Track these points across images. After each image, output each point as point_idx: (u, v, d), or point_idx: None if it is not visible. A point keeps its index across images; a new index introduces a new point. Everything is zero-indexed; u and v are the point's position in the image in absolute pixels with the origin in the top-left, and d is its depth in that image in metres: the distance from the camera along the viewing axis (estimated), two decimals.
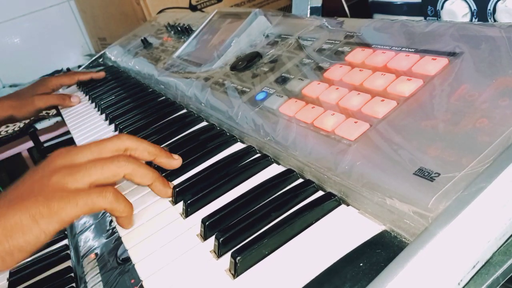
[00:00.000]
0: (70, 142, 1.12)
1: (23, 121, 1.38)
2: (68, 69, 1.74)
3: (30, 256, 0.44)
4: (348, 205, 0.38)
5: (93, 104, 0.98)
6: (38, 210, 0.40)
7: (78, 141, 0.80)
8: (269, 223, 0.38)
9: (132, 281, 0.46)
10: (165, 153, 0.52)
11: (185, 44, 0.89)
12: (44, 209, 0.41)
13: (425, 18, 0.67)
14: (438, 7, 0.64)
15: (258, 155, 0.50)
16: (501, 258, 0.29)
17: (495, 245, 0.28)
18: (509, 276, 0.29)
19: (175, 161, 0.53)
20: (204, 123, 0.65)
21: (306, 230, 0.36)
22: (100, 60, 1.37)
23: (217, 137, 0.58)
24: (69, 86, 1.16)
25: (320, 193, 0.41)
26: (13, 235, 0.40)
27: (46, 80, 1.10)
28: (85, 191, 0.43)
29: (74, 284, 0.52)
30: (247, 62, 0.64)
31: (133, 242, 0.44)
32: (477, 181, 0.29)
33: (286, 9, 1.23)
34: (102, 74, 1.12)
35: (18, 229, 0.40)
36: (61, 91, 1.15)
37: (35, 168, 0.47)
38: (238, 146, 0.55)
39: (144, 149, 0.50)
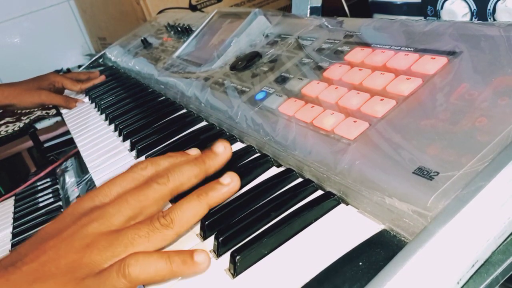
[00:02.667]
0: (70, 142, 1.13)
1: (23, 121, 1.39)
2: (68, 69, 1.74)
3: None
4: (347, 204, 0.38)
5: (93, 104, 0.98)
6: None
7: (78, 141, 0.80)
8: (269, 222, 0.38)
9: None
10: (207, 156, 0.43)
11: (185, 44, 0.89)
12: None
13: (425, 18, 0.67)
14: (438, 7, 0.64)
15: (258, 154, 0.50)
16: (500, 257, 0.29)
17: (494, 244, 0.28)
18: (508, 275, 0.29)
19: (222, 155, 0.43)
20: (204, 123, 0.65)
21: (305, 229, 0.36)
22: (100, 60, 1.37)
23: (217, 136, 0.58)
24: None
25: (319, 192, 0.41)
26: None
27: (50, 75, 1.10)
28: (104, 274, 0.34)
29: None
30: (246, 62, 0.64)
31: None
32: (476, 180, 0.29)
33: (286, 9, 1.23)
34: (103, 78, 1.12)
35: None
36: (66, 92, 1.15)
37: (58, 225, 0.38)
38: (237, 146, 0.55)
39: (189, 178, 0.41)
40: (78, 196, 0.86)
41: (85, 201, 0.40)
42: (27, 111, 1.44)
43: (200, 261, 0.35)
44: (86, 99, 1.06)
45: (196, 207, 0.39)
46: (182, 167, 0.41)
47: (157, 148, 0.61)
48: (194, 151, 0.45)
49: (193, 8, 1.35)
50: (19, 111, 1.45)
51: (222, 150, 0.43)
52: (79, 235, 0.36)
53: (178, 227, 0.38)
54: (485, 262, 0.28)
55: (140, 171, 0.42)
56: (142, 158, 0.61)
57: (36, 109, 1.42)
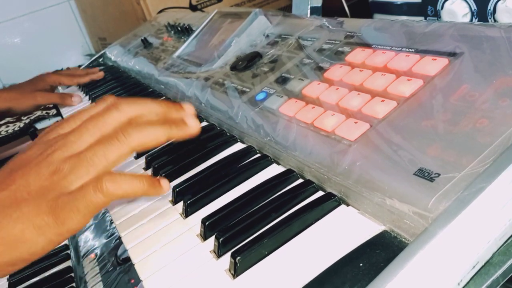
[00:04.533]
0: None
1: (23, 121, 1.39)
2: (68, 69, 1.74)
3: None
4: (348, 205, 0.38)
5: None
6: (44, 221, 0.36)
7: None
8: (269, 223, 0.38)
9: (132, 281, 0.45)
10: (175, 107, 0.44)
11: (185, 44, 0.89)
12: (50, 219, 0.36)
13: (425, 18, 0.67)
14: (438, 7, 0.64)
15: (258, 155, 0.50)
16: (501, 259, 0.29)
17: (495, 245, 0.28)
18: (509, 277, 0.29)
19: (189, 129, 0.44)
20: (204, 123, 0.65)
21: (306, 230, 0.36)
22: (100, 60, 1.37)
23: (217, 137, 0.58)
24: (68, 86, 1.16)
25: (320, 193, 0.41)
26: (16, 248, 0.36)
27: (45, 76, 1.11)
28: (79, 193, 0.37)
29: (74, 284, 0.52)
30: (247, 62, 0.64)
31: (133, 242, 0.44)
32: (477, 182, 0.29)
33: (286, 9, 1.23)
34: (101, 74, 1.12)
35: (22, 242, 0.36)
36: (60, 89, 1.16)
37: (25, 156, 0.41)
38: (238, 146, 0.55)
39: (150, 113, 0.43)
40: None
41: (50, 133, 0.43)
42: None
43: (165, 187, 0.40)
44: (86, 99, 1.06)
45: (157, 132, 0.41)
46: (145, 101, 0.43)
47: (156, 149, 0.61)
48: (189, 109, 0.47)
49: (193, 8, 1.35)
50: None
51: (193, 124, 0.44)
52: (45, 163, 0.39)
53: (136, 144, 0.40)
54: (486, 263, 0.28)
55: (102, 103, 0.44)
56: (142, 158, 0.61)
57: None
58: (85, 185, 0.37)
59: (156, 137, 0.41)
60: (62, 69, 1.83)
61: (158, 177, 0.41)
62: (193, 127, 0.44)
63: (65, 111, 1.03)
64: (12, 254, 0.36)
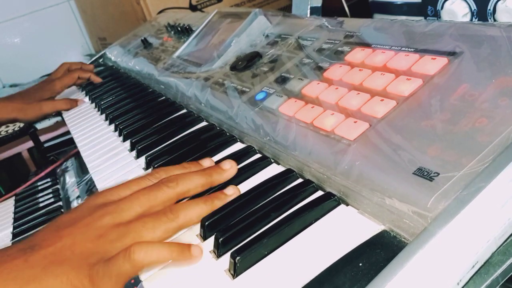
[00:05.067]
0: (70, 142, 1.13)
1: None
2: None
3: None
4: (347, 205, 0.38)
5: (93, 104, 0.98)
6: (81, 283, 0.36)
7: (78, 141, 0.80)
8: (269, 223, 0.38)
9: (132, 281, 0.45)
10: (214, 171, 0.47)
11: (185, 44, 0.89)
12: (86, 282, 0.37)
13: (425, 18, 0.67)
14: (438, 7, 0.64)
15: (258, 156, 0.50)
16: (501, 258, 0.29)
17: (494, 245, 0.28)
18: (508, 276, 0.29)
19: (228, 172, 0.47)
20: (204, 123, 0.65)
21: (305, 230, 0.36)
22: (100, 60, 1.37)
23: (217, 137, 0.58)
24: (71, 85, 1.15)
25: (319, 193, 0.41)
26: None
27: (51, 84, 1.10)
28: (109, 262, 0.37)
29: None
30: (247, 62, 0.64)
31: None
32: (476, 181, 0.29)
33: (286, 9, 1.23)
34: (99, 79, 1.12)
35: None
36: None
37: (75, 215, 0.42)
38: (238, 146, 0.55)
39: (196, 186, 0.45)
40: (78, 197, 0.86)
41: (100, 197, 0.45)
42: None
43: (195, 254, 0.38)
44: (87, 99, 1.06)
45: (201, 209, 0.42)
46: (191, 176, 0.46)
47: (157, 148, 0.61)
48: (207, 162, 0.50)
49: (193, 8, 1.35)
50: None
51: (229, 167, 0.47)
52: (93, 226, 0.40)
53: (182, 222, 0.42)
54: (485, 263, 0.28)
55: (152, 178, 0.47)
56: (142, 158, 0.61)
57: None
58: (117, 254, 0.38)
59: (200, 213, 0.42)
60: None
61: (190, 244, 0.40)
62: (234, 195, 0.45)
63: (66, 112, 1.03)
64: None
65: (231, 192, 0.45)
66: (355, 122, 0.41)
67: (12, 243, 0.82)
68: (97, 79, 1.11)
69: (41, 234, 0.41)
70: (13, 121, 1.06)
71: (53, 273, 0.37)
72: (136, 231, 0.40)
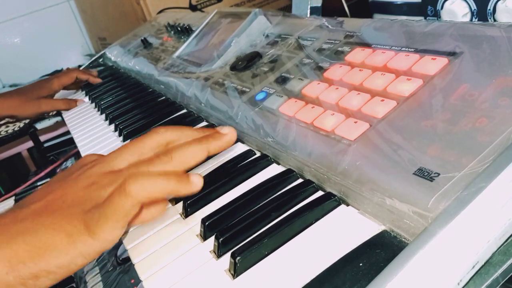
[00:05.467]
0: (70, 142, 1.13)
1: (23, 121, 1.39)
2: (67, 69, 1.74)
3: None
4: (348, 205, 0.38)
5: (93, 104, 0.98)
6: (76, 228, 0.34)
7: (78, 141, 0.80)
8: (269, 223, 0.38)
9: (132, 281, 0.46)
10: (212, 138, 0.44)
11: (185, 44, 0.89)
12: (81, 226, 0.34)
13: (425, 18, 0.67)
14: (438, 7, 0.64)
15: (258, 155, 0.50)
16: (501, 258, 0.29)
17: (494, 245, 0.28)
18: (508, 276, 0.29)
19: (226, 136, 0.45)
20: (204, 123, 0.65)
21: (305, 230, 0.36)
22: (100, 60, 1.37)
23: None
24: (70, 84, 1.15)
25: (320, 193, 0.41)
26: (42, 256, 0.33)
27: (49, 83, 1.10)
28: (112, 201, 0.35)
29: (74, 284, 0.52)
30: (247, 62, 0.64)
31: (132, 242, 0.44)
32: (476, 181, 0.29)
33: (286, 9, 1.23)
34: (98, 80, 1.12)
35: (50, 249, 0.33)
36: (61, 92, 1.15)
37: (65, 173, 0.41)
38: (237, 146, 0.55)
39: (187, 136, 0.44)
40: None
41: (90, 155, 0.43)
42: None
43: (195, 181, 0.37)
44: (86, 99, 1.06)
45: (197, 150, 0.41)
46: (186, 147, 0.42)
47: None
48: (226, 129, 0.47)
49: (193, 8, 1.35)
50: None
51: (228, 131, 0.45)
52: (83, 176, 0.39)
53: (177, 164, 0.40)
54: (485, 263, 0.28)
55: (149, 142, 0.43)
56: None
57: None
58: (112, 193, 0.36)
59: (196, 153, 0.41)
60: (62, 70, 1.83)
61: (188, 174, 0.39)
62: (230, 135, 0.44)
63: (65, 112, 1.03)
64: (37, 262, 0.33)
65: (227, 131, 0.43)
66: (355, 122, 0.41)
67: None
68: (95, 80, 1.11)
69: (32, 194, 0.40)
70: (10, 117, 1.05)
71: (44, 223, 0.34)
72: (129, 173, 0.38)
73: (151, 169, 0.38)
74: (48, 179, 1.05)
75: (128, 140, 0.47)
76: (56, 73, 1.70)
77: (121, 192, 0.35)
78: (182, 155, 0.40)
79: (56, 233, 0.33)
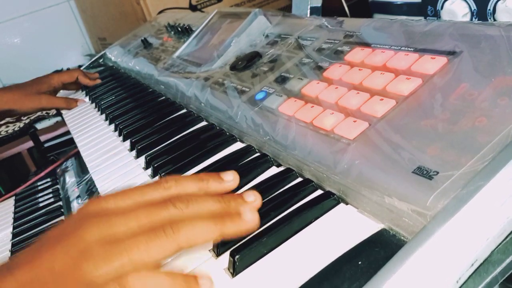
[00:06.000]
0: (70, 142, 1.13)
1: (23, 121, 1.39)
2: (68, 69, 1.74)
3: None
4: (347, 203, 0.38)
5: (93, 104, 0.98)
6: None
7: (78, 141, 0.80)
8: (268, 221, 0.38)
9: None
10: (234, 200, 0.37)
11: (185, 44, 0.89)
12: None
13: (425, 18, 0.67)
14: (438, 7, 0.64)
15: (258, 154, 0.50)
16: (500, 257, 0.29)
17: (493, 243, 0.28)
18: (507, 275, 0.29)
19: (250, 204, 0.37)
20: (204, 123, 0.65)
21: (305, 228, 0.36)
22: (100, 60, 1.37)
23: (217, 136, 0.58)
24: (69, 83, 1.15)
25: (319, 192, 0.41)
26: None
27: (49, 78, 1.09)
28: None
29: None
30: (246, 62, 0.64)
31: None
32: (475, 180, 0.29)
33: (286, 9, 1.23)
34: (95, 82, 1.11)
35: None
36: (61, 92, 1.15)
37: (58, 229, 0.36)
38: (237, 146, 0.55)
39: (209, 210, 0.36)
40: (78, 197, 0.86)
41: (93, 204, 0.37)
42: None
43: (203, 285, 0.33)
44: (87, 99, 1.06)
45: (209, 230, 0.34)
46: (205, 201, 0.37)
47: (157, 148, 0.61)
48: (229, 176, 0.40)
49: (193, 8, 1.35)
50: None
51: (252, 199, 0.38)
52: (75, 239, 0.34)
53: (183, 242, 0.34)
54: (484, 261, 0.28)
55: (160, 189, 0.38)
56: (142, 158, 0.61)
57: None
58: (110, 280, 0.32)
59: (207, 235, 0.34)
60: (62, 70, 1.83)
61: (196, 275, 0.34)
62: (251, 222, 0.36)
63: (66, 112, 1.03)
64: None
65: (250, 218, 0.36)
66: (354, 121, 0.41)
67: (12, 244, 0.82)
68: (93, 82, 1.11)
69: (25, 252, 0.35)
70: (8, 112, 1.04)
71: None
72: (126, 250, 0.33)
73: (151, 247, 0.33)
74: (48, 179, 1.05)
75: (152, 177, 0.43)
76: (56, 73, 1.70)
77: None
78: (191, 234, 0.34)
79: None
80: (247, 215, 0.36)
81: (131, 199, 0.37)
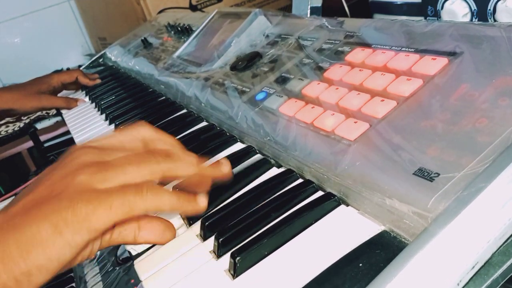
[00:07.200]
0: (71, 142, 1.13)
1: (23, 121, 1.39)
2: (68, 69, 1.74)
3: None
4: (347, 205, 0.38)
5: (93, 104, 0.98)
6: (61, 216, 0.32)
7: (79, 141, 0.80)
8: (269, 223, 0.38)
9: (132, 281, 0.45)
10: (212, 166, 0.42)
11: (185, 44, 0.89)
12: (68, 214, 0.32)
13: (425, 18, 0.67)
14: (438, 7, 0.64)
15: (259, 156, 0.50)
16: (501, 259, 0.29)
17: (494, 245, 0.28)
18: (508, 277, 0.29)
19: (224, 168, 0.43)
20: (204, 123, 0.65)
21: (305, 230, 0.36)
22: (100, 60, 1.37)
23: (217, 137, 0.58)
24: (68, 83, 1.15)
25: (319, 193, 0.41)
26: (30, 251, 0.31)
27: (49, 77, 1.09)
28: (118, 190, 0.34)
29: (73, 284, 0.52)
30: (247, 62, 0.64)
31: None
32: (476, 181, 0.28)
33: (286, 9, 1.23)
34: (94, 82, 1.11)
35: (37, 243, 0.32)
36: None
37: (54, 166, 0.38)
38: (238, 146, 0.55)
39: (165, 142, 0.42)
40: None
41: (79, 145, 0.41)
42: None
43: (201, 203, 0.38)
44: (87, 99, 1.06)
45: (190, 169, 0.39)
46: (182, 160, 0.40)
47: None
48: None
49: (193, 8, 1.35)
50: None
51: (225, 163, 0.43)
52: (72, 163, 0.37)
53: (166, 168, 0.38)
54: (485, 263, 0.28)
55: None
56: None
57: None
58: (126, 185, 0.35)
59: (185, 173, 0.39)
60: (62, 70, 1.83)
61: (196, 195, 0.39)
62: (225, 168, 0.42)
63: (66, 111, 1.03)
64: (27, 258, 0.31)
65: (225, 163, 0.43)
66: (355, 122, 0.41)
67: None
68: (93, 82, 1.11)
69: (24, 188, 0.38)
70: (8, 112, 1.04)
71: (31, 218, 0.33)
72: (120, 162, 0.36)
73: (142, 166, 0.37)
74: None
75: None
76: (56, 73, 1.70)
77: (138, 192, 0.35)
78: (176, 165, 0.39)
79: (41, 225, 0.32)
80: (225, 166, 0.42)
81: (114, 139, 0.42)
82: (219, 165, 0.43)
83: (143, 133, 0.42)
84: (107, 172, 0.35)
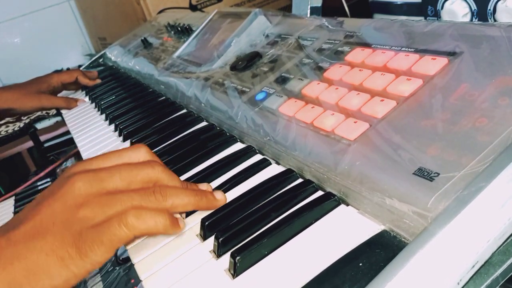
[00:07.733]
0: (70, 142, 1.13)
1: (23, 121, 1.39)
2: (68, 69, 1.74)
3: None
4: (347, 205, 0.38)
5: (93, 104, 0.98)
6: (67, 252, 0.35)
7: (78, 141, 0.80)
8: (269, 223, 0.38)
9: (132, 281, 0.46)
10: (206, 195, 0.44)
11: (185, 44, 0.89)
12: (73, 251, 0.36)
13: (425, 18, 0.67)
14: (438, 7, 0.64)
15: (259, 157, 0.50)
16: (501, 258, 0.29)
17: (494, 245, 0.28)
18: (508, 276, 0.29)
19: (217, 202, 0.44)
20: (204, 123, 0.65)
21: (305, 230, 0.36)
22: (100, 60, 1.37)
23: (217, 137, 0.58)
24: (68, 83, 1.15)
25: (319, 193, 0.41)
26: (39, 280, 0.35)
27: (49, 77, 1.09)
28: (104, 225, 0.37)
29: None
30: (247, 62, 0.64)
31: (132, 242, 0.44)
32: (476, 181, 0.29)
33: (286, 9, 1.23)
34: (94, 82, 1.11)
35: (44, 274, 0.35)
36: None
37: (52, 189, 0.40)
38: (238, 146, 0.55)
39: (176, 182, 0.44)
40: None
41: (75, 167, 0.42)
42: None
43: (182, 226, 0.40)
44: (86, 99, 1.06)
45: (189, 201, 0.41)
46: (181, 195, 0.42)
47: (157, 148, 0.61)
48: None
49: (193, 8, 1.35)
50: None
51: (220, 197, 0.44)
52: (72, 194, 0.39)
53: (168, 207, 0.40)
54: (485, 263, 0.28)
55: (133, 154, 0.44)
56: None
57: None
58: (110, 218, 0.37)
59: (187, 204, 0.41)
60: (62, 70, 1.83)
61: (178, 216, 0.42)
62: (221, 201, 0.44)
63: (65, 111, 1.03)
64: (34, 285, 0.35)
65: (220, 197, 0.44)
66: (355, 122, 0.41)
67: None
68: (93, 82, 1.11)
69: (22, 212, 0.40)
70: (8, 111, 1.04)
71: (36, 247, 0.36)
72: (121, 202, 0.38)
73: (148, 205, 0.39)
74: (48, 179, 1.05)
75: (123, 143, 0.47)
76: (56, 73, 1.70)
77: (121, 222, 0.37)
78: (176, 202, 0.41)
79: (49, 258, 0.35)
80: (219, 194, 0.44)
81: (110, 160, 0.43)
82: (214, 197, 0.44)
83: (154, 174, 0.43)
84: (108, 209, 0.38)
